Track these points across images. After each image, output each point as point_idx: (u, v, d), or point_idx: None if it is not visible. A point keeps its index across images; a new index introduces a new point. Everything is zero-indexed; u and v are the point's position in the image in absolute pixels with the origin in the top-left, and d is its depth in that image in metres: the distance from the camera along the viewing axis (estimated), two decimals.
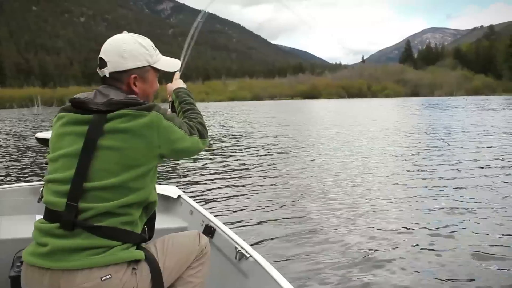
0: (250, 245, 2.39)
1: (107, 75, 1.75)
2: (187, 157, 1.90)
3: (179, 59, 2.22)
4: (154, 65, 1.85)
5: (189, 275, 1.92)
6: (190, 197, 3.36)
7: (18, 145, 16.92)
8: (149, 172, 1.67)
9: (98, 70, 1.78)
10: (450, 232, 5.09)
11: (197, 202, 3.21)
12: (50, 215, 1.64)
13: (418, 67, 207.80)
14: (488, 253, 4.42)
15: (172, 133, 1.69)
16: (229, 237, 2.48)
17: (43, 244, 1.59)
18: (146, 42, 1.84)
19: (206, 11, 2.56)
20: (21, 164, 11.41)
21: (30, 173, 9.92)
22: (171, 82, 2.26)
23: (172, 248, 1.86)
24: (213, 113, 48.38)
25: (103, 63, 1.75)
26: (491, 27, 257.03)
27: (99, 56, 1.77)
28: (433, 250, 4.57)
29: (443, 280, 3.86)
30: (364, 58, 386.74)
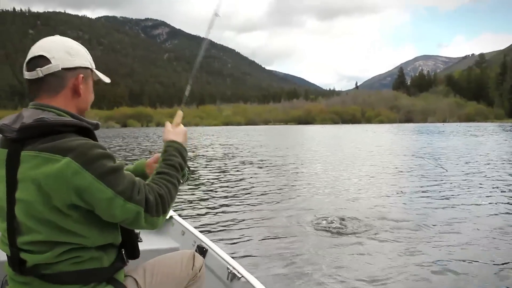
0: (242, 265, 2.36)
1: (50, 72, 1.50)
2: (125, 225, 1.50)
3: (186, 87, 1.97)
4: (94, 71, 1.66)
5: None
6: (182, 217, 3.34)
7: None
8: (76, 221, 1.41)
9: (28, 72, 1.51)
10: (449, 262, 5.00)
11: (189, 223, 3.17)
12: (8, 259, 1.52)
13: (411, 94, 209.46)
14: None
15: (90, 192, 1.36)
16: (221, 257, 2.45)
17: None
18: (84, 48, 1.65)
19: (208, 39, 2.10)
20: None
21: None
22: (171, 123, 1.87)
23: (163, 272, 1.73)
24: (208, 136, 48.48)
25: (42, 62, 1.49)
26: (481, 55, 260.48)
27: (34, 55, 1.51)
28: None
29: None
30: (358, 84, 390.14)
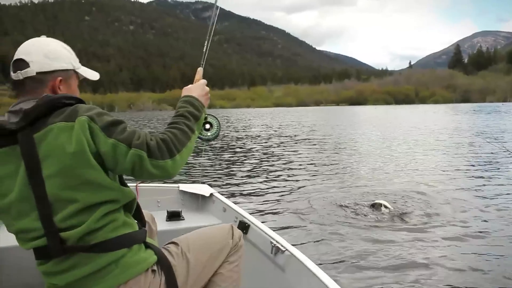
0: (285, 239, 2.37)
1: (29, 76, 1.54)
2: (132, 176, 1.52)
3: (201, 63, 2.01)
4: (78, 70, 1.70)
5: (228, 270, 1.87)
6: (223, 195, 3.35)
7: None
8: (106, 176, 1.46)
9: (13, 74, 1.56)
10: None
11: (229, 200, 3.19)
12: (41, 254, 1.51)
13: (469, 72, 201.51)
14: None
15: (99, 141, 1.43)
16: (264, 232, 2.47)
17: (56, 285, 1.53)
18: (68, 47, 1.70)
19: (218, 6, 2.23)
20: None
21: None
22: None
23: (204, 239, 1.84)
24: (259, 117, 48.53)
25: (22, 65, 1.54)
26: None
27: (16, 58, 1.56)
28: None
29: None
30: (411, 63, 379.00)
